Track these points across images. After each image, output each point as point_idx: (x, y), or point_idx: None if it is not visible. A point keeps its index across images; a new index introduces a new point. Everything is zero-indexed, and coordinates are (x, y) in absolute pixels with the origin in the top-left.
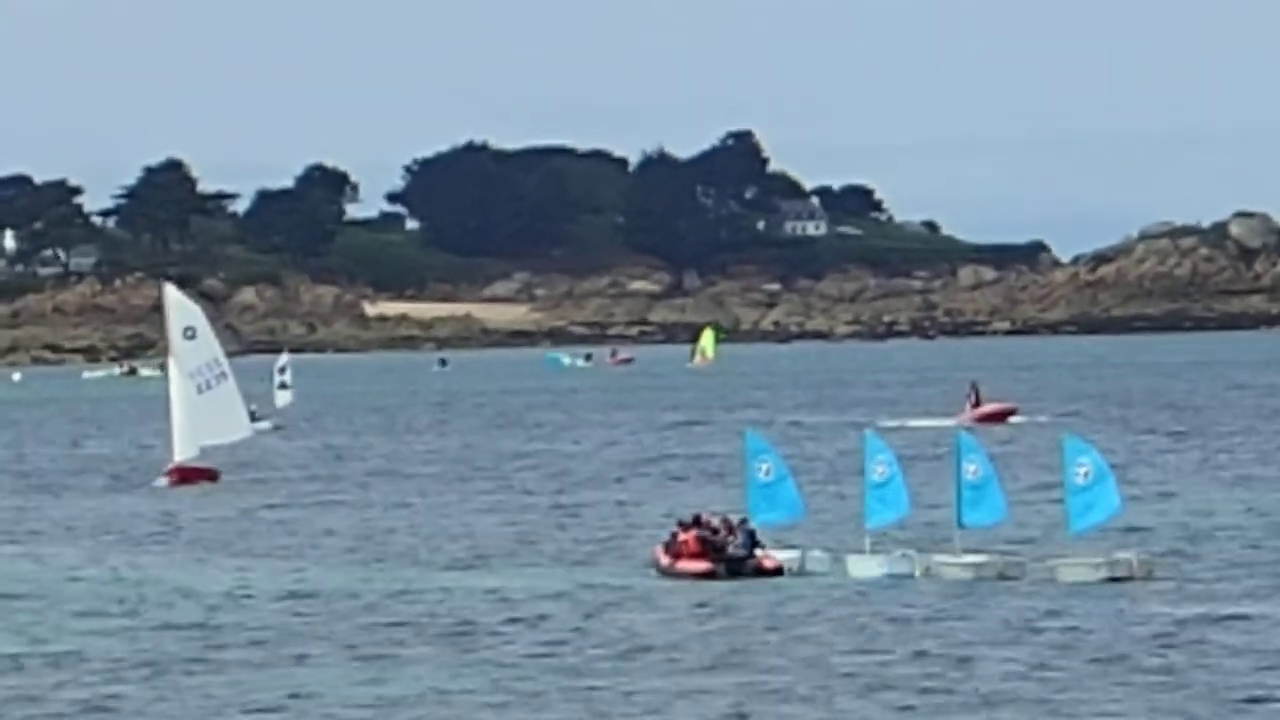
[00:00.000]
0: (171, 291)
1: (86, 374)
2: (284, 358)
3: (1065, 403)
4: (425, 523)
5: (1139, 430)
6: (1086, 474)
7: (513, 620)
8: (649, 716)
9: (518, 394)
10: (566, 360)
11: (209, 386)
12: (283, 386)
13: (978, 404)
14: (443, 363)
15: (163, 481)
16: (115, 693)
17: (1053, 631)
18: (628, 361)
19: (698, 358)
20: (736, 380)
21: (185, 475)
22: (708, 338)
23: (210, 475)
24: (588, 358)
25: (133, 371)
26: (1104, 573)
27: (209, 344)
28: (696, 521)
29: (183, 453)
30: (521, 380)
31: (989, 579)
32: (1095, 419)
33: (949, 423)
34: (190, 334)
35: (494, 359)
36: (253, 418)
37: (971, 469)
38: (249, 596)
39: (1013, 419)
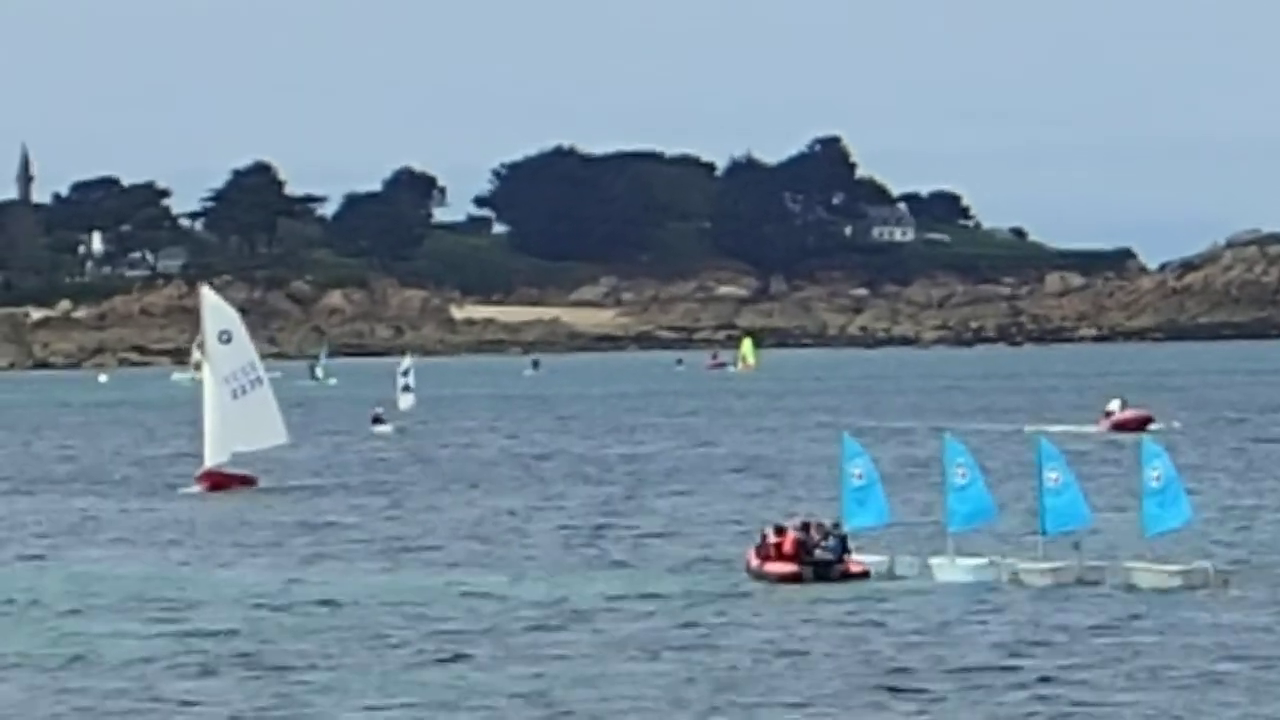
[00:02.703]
0: (208, 294)
1: (175, 376)
2: (407, 360)
3: (1201, 411)
4: (523, 524)
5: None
6: (1159, 478)
7: (611, 622)
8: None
9: (616, 398)
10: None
11: (244, 391)
12: (406, 389)
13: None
14: (535, 365)
15: (195, 488)
16: (157, 694)
17: (1134, 640)
18: (722, 366)
19: (740, 364)
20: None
21: (217, 481)
22: (747, 345)
23: (246, 481)
24: (679, 362)
25: None
26: (1180, 581)
27: (244, 348)
28: (791, 529)
29: (214, 458)
30: (617, 383)
31: (1068, 584)
32: (1226, 428)
33: (1090, 429)
34: (225, 338)
35: (584, 362)
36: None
37: (1053, 476)
38: (337, 598)
39: (1151, 427)
